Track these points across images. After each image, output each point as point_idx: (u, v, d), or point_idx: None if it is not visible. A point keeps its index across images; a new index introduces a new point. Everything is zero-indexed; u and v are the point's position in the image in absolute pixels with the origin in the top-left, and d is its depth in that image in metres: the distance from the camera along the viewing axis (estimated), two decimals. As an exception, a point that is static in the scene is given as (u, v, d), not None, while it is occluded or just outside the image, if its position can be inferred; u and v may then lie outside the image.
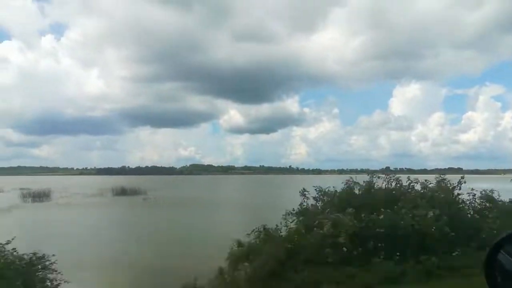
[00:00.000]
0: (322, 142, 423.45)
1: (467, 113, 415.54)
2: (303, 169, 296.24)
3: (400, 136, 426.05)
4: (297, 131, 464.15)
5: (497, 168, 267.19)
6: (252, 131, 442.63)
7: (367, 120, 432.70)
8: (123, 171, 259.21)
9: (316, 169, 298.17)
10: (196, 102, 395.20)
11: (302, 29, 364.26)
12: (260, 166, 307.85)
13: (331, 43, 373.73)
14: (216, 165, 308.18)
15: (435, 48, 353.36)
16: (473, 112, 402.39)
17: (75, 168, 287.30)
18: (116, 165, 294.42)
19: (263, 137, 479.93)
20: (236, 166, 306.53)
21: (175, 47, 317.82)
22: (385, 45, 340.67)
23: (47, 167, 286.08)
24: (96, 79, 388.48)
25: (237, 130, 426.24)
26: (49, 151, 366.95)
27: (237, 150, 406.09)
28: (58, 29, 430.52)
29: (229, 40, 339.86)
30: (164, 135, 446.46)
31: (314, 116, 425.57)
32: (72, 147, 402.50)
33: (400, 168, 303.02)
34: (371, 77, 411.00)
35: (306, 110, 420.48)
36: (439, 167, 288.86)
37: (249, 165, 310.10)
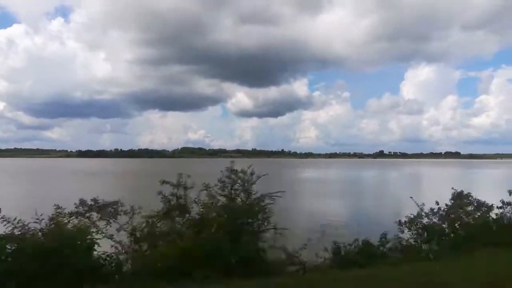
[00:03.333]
0: (331, 126, 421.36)
1: (480, 96, 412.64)
2: (311, 153, 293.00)
3: (411, 120, 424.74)
4: (306, 114, 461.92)
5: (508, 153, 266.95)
6: (260, 115, 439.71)
7: (377, 103, 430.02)
8: (103, 153, 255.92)
9: (326, 153, 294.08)
10: (204, 86, 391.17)
11: (308, 9, 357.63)
12: (252, 149, 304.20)
13: (338, 24, 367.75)
14: (227, 148, 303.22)
15: (445, 30, 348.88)
16: (487, 95, 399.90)
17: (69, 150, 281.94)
18: (127, 147, 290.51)
19: (271, 120, 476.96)
20: (241, 149, 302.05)
21: (180, 30, 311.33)
22: (394, 26, 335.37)
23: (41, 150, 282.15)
24: (103, 62, 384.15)
25: (245, 114, 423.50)
26: (61, 134, 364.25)
27: (246, 134, 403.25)
28: (63, 12, 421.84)
29: (234, 23, 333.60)
30: (173, 118, 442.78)
31: (323, 99, 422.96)
32: (83, 130, 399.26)
33: (403, 153, 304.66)
34: (381, 59, 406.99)
35: (316, 93, 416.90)
36: (451, 151, 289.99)
37: (258, 148, 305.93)
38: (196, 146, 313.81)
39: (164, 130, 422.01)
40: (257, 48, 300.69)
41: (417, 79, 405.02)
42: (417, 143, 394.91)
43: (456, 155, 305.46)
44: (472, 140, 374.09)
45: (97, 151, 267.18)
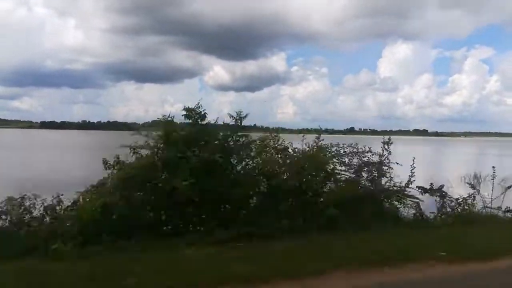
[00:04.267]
0: (309, 102, 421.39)
1: (454, 75, 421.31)
2: (283, 128, 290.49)
3: (386, 98, 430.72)
4: (284, 90, 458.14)
5: (478, 131, 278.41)
6: (237, 89, 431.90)
7: (354, 80, 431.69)
8: (66, 125, 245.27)
9: (304, 128, 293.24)
10: (181, 58, 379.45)
11: None
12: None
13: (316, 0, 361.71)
14: None
15: (423, 8, 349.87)
16: (459, 74, 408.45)
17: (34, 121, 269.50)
18: (101, 119, 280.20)
19: (249, 95, 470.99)
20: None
21: None
22: (372, 3, 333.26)
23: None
24: (74, 29, 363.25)
25: (223, 88, 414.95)
26: (31, 104, 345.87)
27: (223, 108, 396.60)
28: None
29: None
30: (149, 90, 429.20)
31: (301, 74, 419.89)
32: (54, 100, 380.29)
33: (372, 129, 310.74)
34: (359, 36, 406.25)
35: (294, 68, 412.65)
36: (423, 129, 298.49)
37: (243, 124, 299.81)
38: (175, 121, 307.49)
39: (140, 102, 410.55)
40: (234, 21, 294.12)
41: (394, 56, 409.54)
42: (391, 120, 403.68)
43: (424, 132, 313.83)
44: (444, 119, 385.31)
45: (60, 122, 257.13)
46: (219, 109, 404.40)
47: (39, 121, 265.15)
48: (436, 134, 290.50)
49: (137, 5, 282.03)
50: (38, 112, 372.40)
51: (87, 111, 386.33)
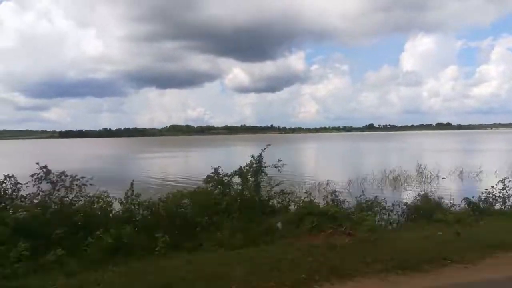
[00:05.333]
0: (330, 100, 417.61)
1: (481, 66, 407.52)
2: (301, 128, 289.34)
3: (411, 92, 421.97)
4: (304, 89, 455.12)
5: (509, 122, 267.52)
6: (257, 90, 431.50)
7: (376, 76, 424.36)
8: (83, 134, 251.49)
9: (322, 127, 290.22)
10: (199, 61, 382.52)
11: None
12: (241, 125, 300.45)
13: None
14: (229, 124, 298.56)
15: None
16: (487, 65, 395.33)
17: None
18: (124, 126, 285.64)
19: (269, 96, 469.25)
20: (230, 125, 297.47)
21: (171, 4, 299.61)
22: None
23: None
24: (95, 39, 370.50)
25: (243, 89, 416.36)
26: (60, 114, 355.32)
27: (245, 110, 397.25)
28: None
29: None
30: (171, 95, 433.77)
31: (321, 73, 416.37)
32: (81, 109, 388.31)
33: (392, 125, 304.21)
34: (378, 30, 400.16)
35: (314, 67, 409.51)
36: (454, 123, 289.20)
37: (258, 125, 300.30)
38: (197, 125, 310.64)
39: (162, 107, 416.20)
40: (251, 22, 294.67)
41: (417, 49, 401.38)
42: (417, 115, 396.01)
43: (447, 126, 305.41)
44: (472, 111, 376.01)
45: (77, 131, 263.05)
46: (241, 111, 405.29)
47: (62, 130, 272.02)
48: (460, 127, 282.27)
49: (154, 12, 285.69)
50: (66, 122, 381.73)
51: (111, 119, 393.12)
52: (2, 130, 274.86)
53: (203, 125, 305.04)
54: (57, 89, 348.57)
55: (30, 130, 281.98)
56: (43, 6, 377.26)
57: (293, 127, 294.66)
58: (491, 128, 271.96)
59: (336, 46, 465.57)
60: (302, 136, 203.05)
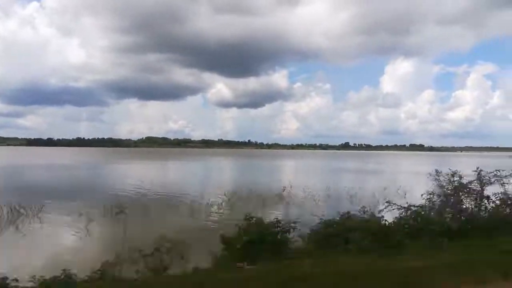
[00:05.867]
0: (312, 118, 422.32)
1: (457, 91, 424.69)
2: (278, 144, 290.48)
3: (389, 113, 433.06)
4: (286, 106, 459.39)
5: (480, 146, 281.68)
6: (240, 105, 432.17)
7: (357, 96, 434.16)
8: (51, 142, 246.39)
9: (299, 144, 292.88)
10: (182, 75, 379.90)
11: (286, 1, 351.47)
12: (218, 139, 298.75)
13: (317, 16, 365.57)
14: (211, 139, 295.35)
15: (422, 24, 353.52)
16: (463, 90, 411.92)
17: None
18: (104, 136, 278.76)
19: (252, 111, 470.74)
20: (207, 139, 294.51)
21: (156, 17, 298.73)
22: (372, 19, 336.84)
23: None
24: (77, 48, 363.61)
25: (225, 104, 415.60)
26: (36, 121, 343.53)
27: (226, 124, 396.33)
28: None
29: (209, 12, 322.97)
30: (153, 107, 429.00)
31: (304, 91, 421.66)
32: (58, 117, 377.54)
33: (367, 145, 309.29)
34: (360, 52, 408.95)
35: (296, 85, 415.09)
36: (428, 145, 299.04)
37: (237, 139, 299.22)
38: (180, 137, 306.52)
39: (143, 119, 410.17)
40: (235, 38, 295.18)
41: (396, 73, 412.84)
42: (394, 136, 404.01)
43: (420, 147, 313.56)
44: (447, 134, 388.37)
45: (47, 139, 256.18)
46: (222, 125, 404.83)
47: (31, 138, 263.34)
48: (431, 149, 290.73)
49: (136, 24, 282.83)
50: (42, 129, 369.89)
51: (89, 128, 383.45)
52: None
53: (183, 137, 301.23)
54: (36, 96, 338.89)
55: (2, 137, 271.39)
56: (28, 13, 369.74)
57: (270, 143, 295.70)
58: (461, 151, 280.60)
59: (319, 65, 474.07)
60: (272, 152, 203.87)
